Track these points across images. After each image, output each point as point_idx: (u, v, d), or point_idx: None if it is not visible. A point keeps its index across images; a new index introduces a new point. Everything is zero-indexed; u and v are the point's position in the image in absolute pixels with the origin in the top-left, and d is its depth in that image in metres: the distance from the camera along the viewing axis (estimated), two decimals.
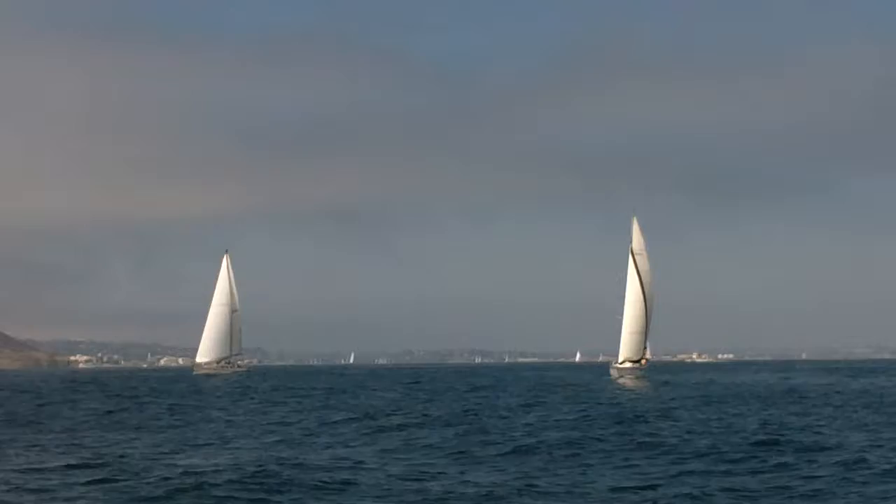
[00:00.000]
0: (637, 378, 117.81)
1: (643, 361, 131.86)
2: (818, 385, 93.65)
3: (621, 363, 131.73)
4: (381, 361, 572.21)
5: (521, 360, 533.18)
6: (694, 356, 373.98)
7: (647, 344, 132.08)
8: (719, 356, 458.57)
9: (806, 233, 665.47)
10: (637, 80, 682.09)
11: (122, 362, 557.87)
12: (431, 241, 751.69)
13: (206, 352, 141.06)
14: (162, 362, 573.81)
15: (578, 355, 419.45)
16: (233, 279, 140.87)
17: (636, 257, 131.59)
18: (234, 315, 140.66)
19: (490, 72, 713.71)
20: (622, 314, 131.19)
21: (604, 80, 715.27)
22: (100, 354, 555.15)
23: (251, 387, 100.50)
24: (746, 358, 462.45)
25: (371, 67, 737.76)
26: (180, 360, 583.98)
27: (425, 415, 52.84)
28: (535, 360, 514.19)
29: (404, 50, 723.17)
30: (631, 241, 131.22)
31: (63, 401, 74.06)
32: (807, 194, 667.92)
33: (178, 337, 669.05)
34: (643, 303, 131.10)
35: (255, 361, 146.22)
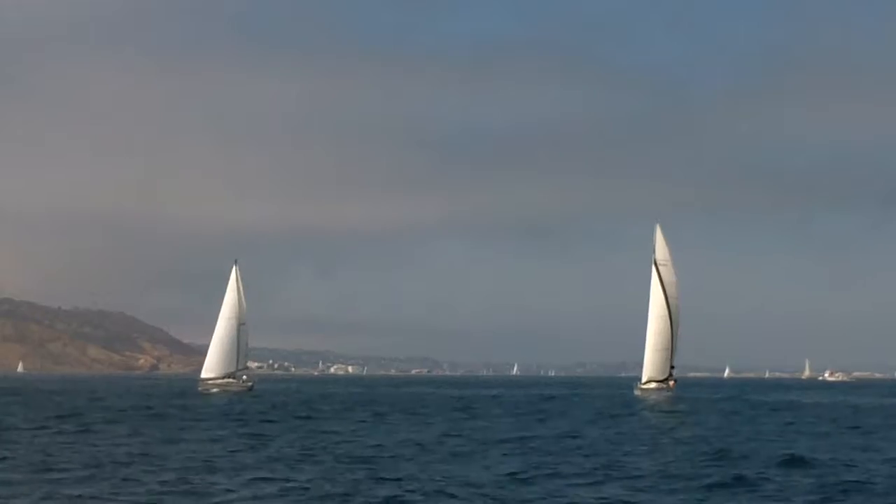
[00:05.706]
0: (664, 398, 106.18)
1: (671, 383, 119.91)
2: None
3: (645, 383, 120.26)
4: (551, 373, 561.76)
5: (690, 374, 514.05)
6: (826, 375, 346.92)
7: (674, 363, 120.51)
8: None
9: None
10: (842, 98, 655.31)
11: (293, 369, 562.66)
12: (609, 253, 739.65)
13: (211, 367, 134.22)
14: (332, 370, 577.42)
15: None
16: (242, 291, 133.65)
17: (660, 268, 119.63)
18: (241, 328, 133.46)
19: (685, 85, 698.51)
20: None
21: (808, 94, 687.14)
22: (271, 361, 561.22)
23: None
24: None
25: (566, 81, 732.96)
26: (350, 369, 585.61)
27: None
28: (707, 374, 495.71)
29: (601, 63, 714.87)
30: (654, 252, 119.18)
31: None
32: None
33: (350, 346, 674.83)
34: (668, 318, 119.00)
35: (250, 380, 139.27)
